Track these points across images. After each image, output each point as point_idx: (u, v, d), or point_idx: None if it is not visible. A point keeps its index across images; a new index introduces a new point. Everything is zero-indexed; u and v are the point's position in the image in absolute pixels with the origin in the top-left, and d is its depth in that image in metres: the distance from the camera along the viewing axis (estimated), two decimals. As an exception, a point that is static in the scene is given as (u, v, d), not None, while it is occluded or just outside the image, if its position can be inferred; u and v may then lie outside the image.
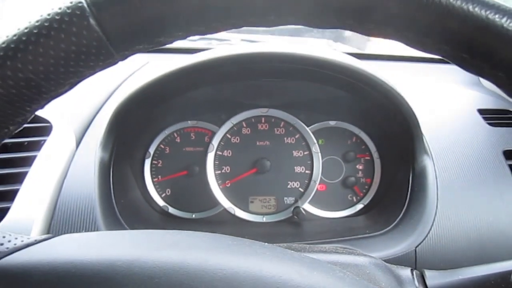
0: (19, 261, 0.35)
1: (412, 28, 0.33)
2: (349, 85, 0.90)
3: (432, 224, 0.82)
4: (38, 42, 0.32)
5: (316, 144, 1.07)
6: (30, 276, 0.33)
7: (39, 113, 0.86)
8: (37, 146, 0.84)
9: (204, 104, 1.05)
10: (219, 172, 1.07)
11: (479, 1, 0.31)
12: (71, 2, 0.32)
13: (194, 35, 0.37)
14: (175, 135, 1.08)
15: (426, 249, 0.81)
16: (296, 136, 1.09)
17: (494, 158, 0.93)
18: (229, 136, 1.08)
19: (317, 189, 1.07)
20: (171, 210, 1.05)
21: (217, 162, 1.07)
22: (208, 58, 0.83)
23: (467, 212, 0.84)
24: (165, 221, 1.03)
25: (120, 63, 0.37)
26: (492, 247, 0.81)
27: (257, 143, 1.08)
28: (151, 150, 1.06)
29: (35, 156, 0.82)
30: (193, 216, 1.06)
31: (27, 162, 0.81)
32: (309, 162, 1.08)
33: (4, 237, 0.37)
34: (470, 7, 0.31)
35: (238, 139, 1.09)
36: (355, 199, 1.08)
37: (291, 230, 1.03)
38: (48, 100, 0.36)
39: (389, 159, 1.06)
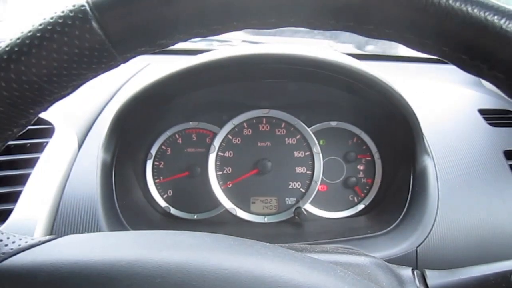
0: (24, 262, 0.35)
1: (411, 29, 0.34)
2: (350, 86, 0.90)
3: (433, 224, 0.83)
4: (41, 45, 0.32)
5: (317, 145, 1.07)
6: (34, 276, 0.34)
7: (42, 115, 0.86)
8: (39, 148, 0.85)
9: (205, 105, 1.05)
10: (221, 173, 1.07)
11: (478, 3, 0.31)
12: (73, 6, 0.32)
13: (196, 37, 0.37)
14: (177, 136, 1.08)
15: (427, 249, 0.81)
16: (297, 137, 1.09)
17: (495, 158, 0.93)
18: (231, 137, 1.09)
19: (318, 189, 1.07)
20: (173, 211, 1.05)
21: (218, 163, 1.07)
22: (210, 60, 0.84)
23: (468, 212, 0.84)
24: (167, 222, 1.03)
25: (122, 65, 0.37)
26: (492, 246, 0.82)
27: (258, 144, 1.09)
28: (153, 151, 1.06)
29: (37, 158, 0.83)
30: (195, 216, 1.06)
31: (30, 163, 0.82)
32: (310, 162, 1.08)
33: (8, 238, 0.38)
34: (469, 9, 0.31)
35: (240, 140, 1.09)
36: (356, 200, 1.08)
37: (293, 231, 1.03)
38: (51, 103, 0.37)
39: (390, 159, 1.06)
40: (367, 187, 1.08)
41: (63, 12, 0.32)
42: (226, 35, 0.37)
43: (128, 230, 0.83)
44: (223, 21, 0.35)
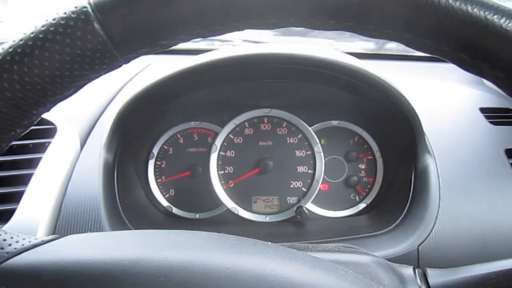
0: (27, 261, 0.35)
1: (411, 29, 0.34)
2: (350, 85, 0.90)
3: (435, 223, 0.83)
4: (44, 47, 0.32)
5: (319, 144, 1.08)
6: (37, 276, 0.34)
7: (44, 115, 0.86)
8: (42, 148, 0.85)
9: (206, 105, 1.05)
10: (222, 172, 1.08)
11: (478, 2, 0.32)
12: (75, 7, 0.33)
13: (197, 37, 0.37)
14: (179, 136, 1.08)
15: (428, 247, 0.81)
16: (299, 136, 1.09)
17: (496, 157, 0.93)
18: (232, 137, 1.09)
19: (319, 188, 1.07)
20: (175, 210, 1.06)
21: (220, 163, 1.08)
22: (211, 60, 0.84)
23: (469, 210, 0.84)
24: (169, 221, 1.04)
25: (124, 65, 0.37)
26: (494, 245, 0.82)
27: (260, 143, 1.09)
28: (155, 151, 1.07)
29: (40, 158, 0.83)
30: (197, 216, 1.06)
31: (32, 163, 0.82)
32: (311, 162, 1.08)
33: (12, 237, 0.38)
34: (469, 8, 0.31)
35: (241, 140, 1.09)
36: (357, 199, 1.08)
37: (294, 230, 1.03)
38: (54, 103, 0.37)
39: (391, 158, 1.06)
40: (369, 186, 1.08)
41: (65, 13, 0.32)
42: (228, 35, 0.37)
43: (130, 229, 0.83)
44: (224, 22, 0.35)
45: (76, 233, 0.74)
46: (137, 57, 0.37)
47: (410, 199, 0.91)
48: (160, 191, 1.06)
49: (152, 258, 0.34)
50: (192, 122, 1.08)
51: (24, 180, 0.79)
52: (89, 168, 0.84)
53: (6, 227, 0.72)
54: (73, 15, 0.32)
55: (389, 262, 0.59)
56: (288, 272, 0.34)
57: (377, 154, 1.08)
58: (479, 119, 1.04)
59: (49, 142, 0.86)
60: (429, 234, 0.82)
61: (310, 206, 1.06)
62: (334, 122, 1.09)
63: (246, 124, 1.09)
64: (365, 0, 0.33)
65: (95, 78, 0.37)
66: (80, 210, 0.79)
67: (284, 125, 1.10)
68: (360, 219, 1.04)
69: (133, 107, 0.86)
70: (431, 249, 0.81)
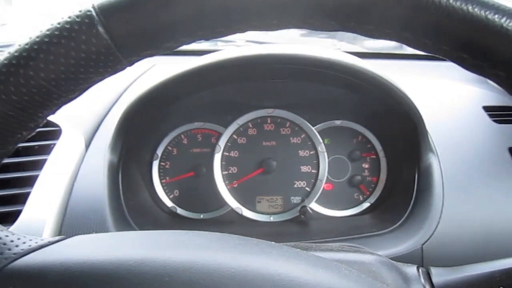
0: (34, 262, 0.36)
1: (412, 29, 0.34)
2: (353, 85, 0.91)
3: (438, 222, 0.83)
4: (49, 50, 0.33)
5: (322, 144, 1.08)
6: (44, 276, 0.34)
7: (49, 117, 0.87)
8: (47, 149, 0.86)
9: (210, 105, 1.06)
10: (226, 172, 1.08)
11: (478, 2, 0.32)
12: (80, 11, 0.33)
13: (200, 40, 0.38)
14: (182, 136, 1.09)
15: (432, 246, 0.81)
16: (302, 136, 1.09)
17: (500, 155, 0.93)
18: (236, 137, 1.09)
19: (323, 188, 1.07)
20: (179, 210, 1.06)
21: (224, 163, 1.08)
22: (215, 61, 0.84)
23: (473, 209, 0.84)
24: (173, 222, 1.04)
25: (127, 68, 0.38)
26: (498, 244, 0.82)
27: (263, 144, 1.09)
28: (159, 151, 1.07)
29: (45, 160, 0.84)
30: (201, 216, 1.07)
31: (38, 165, 0.83)
32: (315, 161, 1.08)
33: (18, 238, 0.38)
34: (470, 8, 0.32)
35: (245, 140, 1.09)
36: (361, 198, 1.08)
37: (298, 229, 1.03)
38: (59, 106, 0.37)
39: (394, 157, 1.06)
40: (372, 186, 1.08)
41: (70, 17, 0.33)
42: (231, 36, 0.38)
43: (135, 230, 0.84)
44: (225, 24, 0.35)
45: (81, 233, 0.75)
46: (140, 59, 0.37)
47: (413, 198, 0.91)
48: (165, 192, 1.07)
49: (157, 258, 0.35)
50: (195, 123, 1.09)
51: (30, 182, 0.80)
52: (94, 169, 0.85)
53: (12, 228, 0.72)
54: (77, 19, 0.33)
55: (393, 261, 0.59)
56: (292, 271, 0.35)
57: (381, 154, 1.08)
58: (482, 117, 1.04)
59: (54, 144, 0.87)
60: (433, 233, 0.82)
61: (314, 206, 1.07)
62: (337, 122, 1.10)
63: (250, 124, 1.10)
64: (365, 0, 0.33)
65: (99, 81, 0.37)
66: (85, 211, 0.79)
67: (287, 125, 1.10)
68: (363, 218, 1.05)
69: (138, 108, 0.87)
70: (435, 248, 0.81)
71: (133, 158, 0.97)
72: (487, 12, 0.32)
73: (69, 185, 0.82)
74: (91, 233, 0.74)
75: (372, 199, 1.07)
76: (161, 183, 1.07)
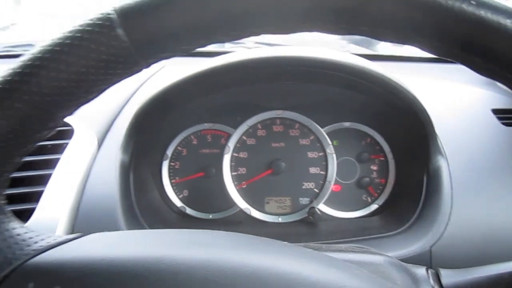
0: (53, 258, 0.37)
1: (424, 33, 0.34)
2: (362, 87, 0.91)
3: (447, 224, 0.83)
4: (70, 52, 0.34)
5: (331, 145, 1.08)
6: (63, 273, 0.35)
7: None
8: (60, 149, 0.87)
9: (220, 107, 1.07)
10: (235, 173, 1.09)
11: (491, 6, 0.32)
12: (101, 14, 0.34)
13: (215, 43, 0.38)
14: (192, 137, 1.10)
15: (441, 248, 0.81)
16: (311, 138, 1.10)
17: (509, 158, 0.93)
18: (245, 138, 1.10)
19: (331, 189, 1.08)
20: (189, 210, 1.07)
21: (233, 164, 1.09)
22: (226, 63, 0.85)
23: (482, 211, 0.85)
24: (183, 222, 1.05)
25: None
26: (506, 246, 0.82)
27: (272, 145, 1.10)
28: (169, 152, 1.08)
29: (58, 159, 0.85)
30: (210, 216, 1.07)
31: (51, 164, 0.84)
32: (323, 163, 1.09)
33: (37, 235, 0.39)
34: (483, 13, 0.32)
35: (254, 141, 1.10)
36: (369, 200, 1.09)
37: (307, 230, 1.04)
38: (78, 107, 0.38)
39: (403, 159, 1.07)
40: (380, 187, 1.09)
41: (91, 20, 0.34)
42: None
43: (146, 229, 0.85)
44: (242, 28, 0.36)
45: (93, 232, 0.76)
46: (157, 61, 0.38)
47: (422, 200, 0.91)
48: (174, 192, 1.08)
49: (174, 256, 0.35)
50: (205, 124, 1.10)
51: (43, 180, 0.81)
52: (105, 168, 0.86)
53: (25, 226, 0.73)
54: (98, 22, 0.33)
55: (402, 263, 0.59)
56: (306, 270, 0.35)
57: (389, 156, 1.09)
58: (491, 120, 1.04)
59: (67, 143, 0.88)
60: (442, 235, 0.82)
61: (322, 207, 1.07)
62: (346, 124, 1.10)
63: (259, 125, 1.10)
64: (378, 5, 0.34)
65: (117, 82, 0.38)
66: (97, 210, 0.80)
67: (296, 127, 1.10)
68: (372, 220, 1.05)
69: (149, 109, 0.88)
70: (444, 250, 0.82)
71: (144, 158, 0.98)
72: (499, 17, 0.32)
73: (81, 184, 0.83)
74: (103, 231, 0.76)
75: (381, 201, 1.07)
76: (171, 183, 1.08)
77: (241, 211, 1.07)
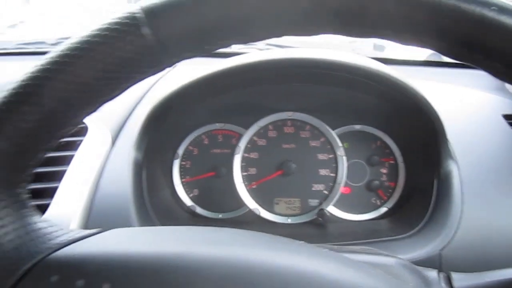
0: (76, 252, 0.38)
1: (446, 38, 0.35)
2: (375, 90, 0.91)
3: (457, 228, 0.83)
4: (98, 50, 0.34)
5: (342, 148, 1.09)
6: (87, 266, 0.36)
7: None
8: (74, 146, 0.88)
9: (231, 107, 1.07)
10: (246, 173, 1.09)
11: (510, 12, 0.33)
12: (129, 13, 0.35)
13: (237, 43, 0.39)
14: (203, 137, 1.11)
15: (450, 252, 0.81)
16: (321, 139, 1.10)
17: None
18: (256, 139, 1.11)
19: (341, 192, 1.08)
20: (199, 210, 1.08)
21: (243, 164, 1.09)
22: (239, 64, 0.86)
23: (493, 216, 0.85)
24: (193, 221, 1.06)
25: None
26: None
27: (283, 146, 1.11)
28: (180, 151, 1.09)
29: (72, 156, 0.86)
30: (220, 216, 1.08)
31: (65, 161, 0.85)
32: (334, 165, 1.09)
33: (60, 230, 0.40)
34: (502, 18, 0.33)
35: (265, 142, 1.11)
36: (379, 203, 1.09)
37: (316, 232, 1.04)
38: (101, 104, 0.39)
39: (413, 163, 1.07)
40: (390, 191, 1.09)
41: (119, 18, 0.34)
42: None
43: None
44: (263, 29, 0.37)
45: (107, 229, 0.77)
46: (180, 61, 0.39)
47: (432, 204, 0.91)
48: (185, 191, 1.08)
49: (195, 252, 0.36)
50: (216, 124, 1.10)
51: (58, 176, 0.82)
52: (119, 166, 0.87)
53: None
54: (126, 21, 0.34)
55: (414, 265, 0.60)
56: (324, 269, 0.36)
57: (399, 159, 1.09)
58: (502, 125, 1.04)
59: (81, 141, 0.89)
60: (452, 239, 0.82)
61: (332, 209, 1.08)
62: (357, 126, 1.10)
63: (270, 126, 1.11)
64: (401, 10, 0.34)
65: (139, 81, 0.39)
66: (110, 207, 0.81)
67: (307, 128, 1.11)
68: (381, 223, 1.05)
69: (163, 108, 0.89)
70: (453, 254, 0.82)
71: (156, 156, 0.99)
72: None
73: (95, 180, 0.84)
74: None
75: (390, 204, 1.08)
76: (182, 182, 1.09)
77: (251, 211, 1.07)
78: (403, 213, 1.03)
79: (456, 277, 0.57)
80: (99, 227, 0.43)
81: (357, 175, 1.10)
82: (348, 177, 1.09)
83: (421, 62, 1.46)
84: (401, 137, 1.08)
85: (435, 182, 0.93)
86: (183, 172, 1.09)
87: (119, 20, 0.34)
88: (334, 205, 1.08)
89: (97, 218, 0.79)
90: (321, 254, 0.39)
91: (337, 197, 1.07)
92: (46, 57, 0.35)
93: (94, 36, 0.35)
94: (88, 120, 0.92)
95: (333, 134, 1.09)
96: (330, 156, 1.10)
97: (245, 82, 0.95)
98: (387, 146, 1.10)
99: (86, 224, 0.78)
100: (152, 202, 0.90)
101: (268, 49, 1.30)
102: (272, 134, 1.11)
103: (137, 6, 0.35)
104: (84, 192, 0.81)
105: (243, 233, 0.42)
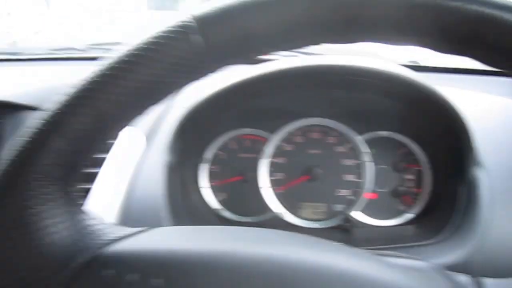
0: (130, 247, 0.39)
1: (481, 45, 0.36)
2: (403, 97, 0.92)
3: (485, 235, 0.83)
4: (153, 57, 0.36)
5: (368, 153, 1.09)
6: (141, 261, 0.38)
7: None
8: (106, 148, 0.91)
9: (259, 112, 1.09)
10: (272, 178, 1.11)
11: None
12: (182, 21, 0.36)
13: (279, 51, 0.41)
14: (231, 141, 1.12)
15: (478, 259, 0.81)
16: (348, 145, 1.11)
17: None
18: (283, 144, 1.12)
19: (367, 197, 1.08)
20: (226, 213, 1.09)
21: (270, 168, 1.11)
22: (269, 72, 0.88)
23: None
24: (220, 224, 1.07)
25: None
26: None
27: (309, 151, 1.12)
28: (209, 155, 1.11)
29: (104, 158, 0.88)
30: (246, 220, 1.10)
31: (98, 162, 0.87)
32: (360, 170, 1.10)
33: (110, 227, 0.42)
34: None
35: (291, 147, 1.12)
36: (404, 209, 1.09)
37: (341, 237, 1.05)
38: (148, 108, 0.41)
39: (440, 169, 1.07)
40: (416, 197, 1.09)
41: (173, 27, 0.36)
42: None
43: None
44: (307, 37, 0.38)
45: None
46: (223, 67, 0.40)
47: (459, 211, 0.91)
48: (213, 194, 1.10)
49: (246, 251, 0.38)
50: (244, 129, 1.12)
51: (90, 178, 0.85)
52: (152, 169, 0.89)
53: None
54: (180, 29, 0.36)
55: (445, 270, 0.60)
56: (365, 269, 0.37)
57: (426, 165, 1.09)
58: None
59: (113, 143, 0.92)
60: (479, 246, 0.82)
61: (357, 215, 1.08)
62: (384, 133, 1.11)
63: (297, 132, 1.12)
64: (439, 19, 0.35)
65: (186, 86, 0.41)
66: (143, 209, 0.83)
67: (333, 134, 1.12)
68: (407, 228, 1.05)
69: (197, 112, 0.91)
70: (480, 261, 0.81)
71: (186, 159, 1.01)
72: None
73: (128, 182, 0.86)
74: None
75: (416, 210, 1.08)
76: (210, 185, 1.10)
77: (277, 216, 1.09)
78: (429, 219, 1.03)
79: (489, 282, 0.57)
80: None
81: (383, 181, 1.10)
82: (374, 183, 1.09)
83: (451, 70, 1.45)
84: (428, 144, 1.08)
85: (462, 188, 0.93)
86: (211, 176, 1.11)
87: (172, 29, 0.36)
88: (360, 211, 1.08)
89: (129, 221, 0.81)
90: (359, 255, 0.41)
91: (362, 202, 1.08)
92: (103, 63, 0.37)
93: (149, 43, 0.36)
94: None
95: (360, 140, 1.10)
96: (356, 161, 1.10)
97: (276, 88, 0.97)
98: (413, 153, 1.10)
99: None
100: (184, 205, 0.91)
101: (294, 55, 1.31)
102: (298, 139, 1.12)
103: (189, 14, 0.37)
104: (117, 194, 0.83)
105: (288, 234, 0.43)
